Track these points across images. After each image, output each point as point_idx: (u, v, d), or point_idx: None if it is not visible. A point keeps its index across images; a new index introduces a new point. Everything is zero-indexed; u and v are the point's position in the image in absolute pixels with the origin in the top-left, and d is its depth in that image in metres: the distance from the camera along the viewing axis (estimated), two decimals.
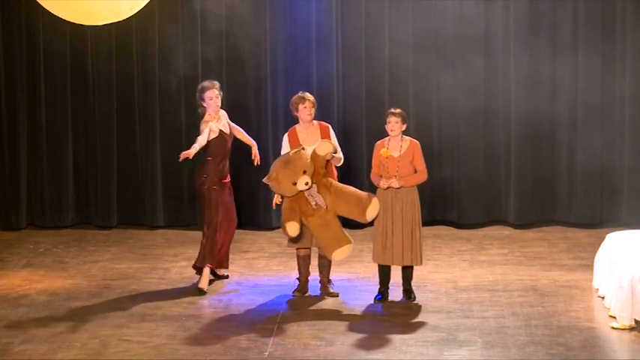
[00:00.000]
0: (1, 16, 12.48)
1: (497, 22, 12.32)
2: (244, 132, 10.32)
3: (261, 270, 10.67)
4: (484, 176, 12.55)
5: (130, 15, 9.90)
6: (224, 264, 10.23)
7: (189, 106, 12.52)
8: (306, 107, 9.66)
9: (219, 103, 10.02)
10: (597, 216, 12.46)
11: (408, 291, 9.59)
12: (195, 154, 9.74)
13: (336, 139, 9.73)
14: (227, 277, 10.32)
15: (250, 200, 12.35)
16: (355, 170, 12.24)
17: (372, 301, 9.50)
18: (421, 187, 9.52)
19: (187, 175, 12.64)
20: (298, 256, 9.78)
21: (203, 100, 9.99)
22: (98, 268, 10.86)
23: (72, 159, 12.68)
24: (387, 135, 9.53)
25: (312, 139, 9.60)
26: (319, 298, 9.65)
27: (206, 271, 9.94)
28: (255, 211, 12.45)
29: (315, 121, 9.75)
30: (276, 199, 9.60)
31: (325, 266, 9.76)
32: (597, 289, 9.64)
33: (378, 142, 9.54)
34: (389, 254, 9.37)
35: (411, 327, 8.81)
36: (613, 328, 8.68)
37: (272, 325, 8.86)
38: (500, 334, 8.60)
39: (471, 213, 12.57)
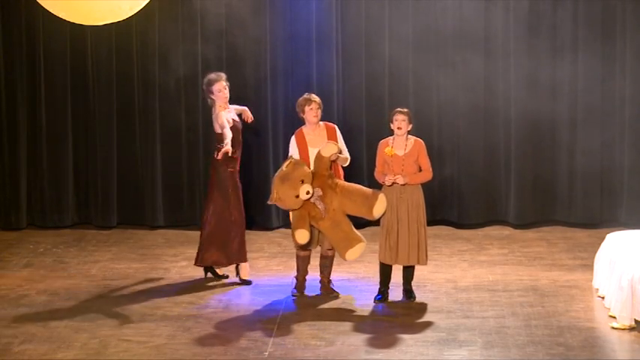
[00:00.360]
0: (1, 16, 12.47)
1: (497, 22, 12.32)
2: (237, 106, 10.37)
3: (261, 270, 10.67)
4: (484, 176, 12.55)
5: (130, 15, 9.90)
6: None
7: (189, 105, 12.54)
8: (312, 109, 9.66)
9: (228, 95, 10.06)
10: (597, 216, 12.46)
11: (408, 291, 9.60)
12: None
13: (342, 139, 9.74)
14: (227, 276, 10.32)
15: (250, 200, 12.34)
16: (355, 170, 12.22)
17: (372, 301, 9.50)
18: (422, 187, 9.51)
19: (187, 175, 12.65)
20: (298, 256, 9.79)
21: (212, 92, 10.03)
22: (98, 268, 10.86)
23: (72, 159, 12.67)
24: (388, 134, 9.53)
25: (319, 140, 9.60)
26: (319, 298, 9.65)
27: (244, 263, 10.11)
28: (255, 211, 12.44)
29: (321, 122, 9.75)
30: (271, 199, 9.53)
31: (326, 267, 9.77)
32: (597, 289, 9.64)
33: (382, 140, 9.54)
34: (394, 254, 9.38)
35: (411, 327, 8.81)
36: (613, 328, 8.68)
37: (272, 325, 8.86)
38: (500, 334, 8.60)
39: (471, 213, 12.57)
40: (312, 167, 9.42)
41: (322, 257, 9.76)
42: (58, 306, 9.47)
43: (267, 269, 10.69)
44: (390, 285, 9.59)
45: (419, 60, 12.37)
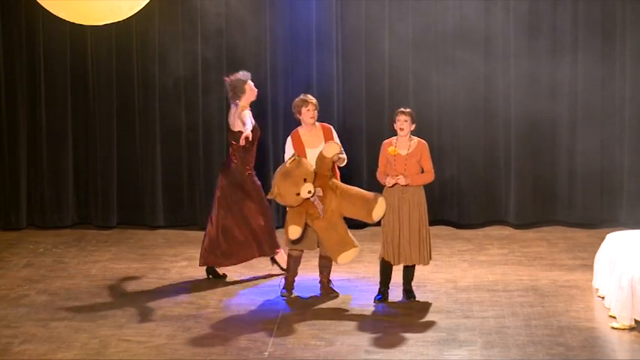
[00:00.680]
0: (1, 16, 12.47)
1: (497, 22, 12.32)
2: None
3: (261, 270, 10.67)
4: (484, 176, 12.55)
5: (130, 15, 9.90)
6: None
7: (189, 105, 12.54)
8: (309, 110, 9.67)
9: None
10: (597, 216, 12.46)
11: (408, 291, 9.60)
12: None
13: (338, 139, 9.74)
14: (226, 276, 10.33)
15: None
16: (355, 170, 12.24)
17: (372, 301, 9.50)
18: (422, 187, 9.51)
19: (187, 175, 12.65)
20: (290, 256, 9.79)
21: (244, 91, 10.05)
22: (98, 268, 10.86)
23: (72, 159, 12.67)
24: (388, 134, 9.54)
25: (316, 141, 9.61)
26: (319, 298, 9.66)
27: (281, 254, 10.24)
28: None
29: (317, 123, 9.75)
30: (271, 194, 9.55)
31: (326, 267, 9.77)
32: (597, 289, 9.65)
33: (385, 141, 9.55)
34: (396, 254, 9.38)
35: (411, 327, 8.81)
36: (613, 328, 8.68)
37: (272, 325, 8.86)
38: (500, 334, 8.60)
39: (471, 213, 12.57)
40: (313, 167, 9.42)
41: (321, 257, 9.76)
42: (58, 306, 9.47)
43: (268, 269, 10.68)
44: (390, 285, 9.59)
45: (419, 60, 12.37)
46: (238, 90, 10.09)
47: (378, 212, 9.34)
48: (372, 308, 9.37)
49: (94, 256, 11.37)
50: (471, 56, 12.33)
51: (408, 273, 9.60)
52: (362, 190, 9.54)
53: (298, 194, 9.25)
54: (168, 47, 12.41)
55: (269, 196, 9.41)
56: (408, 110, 9.47)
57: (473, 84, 12.40)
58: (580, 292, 9.77)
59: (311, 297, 9.69)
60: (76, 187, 12.73)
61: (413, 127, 9.45)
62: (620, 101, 12.35)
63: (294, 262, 9.77)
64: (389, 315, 9.19)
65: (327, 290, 9.74)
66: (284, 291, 9.77)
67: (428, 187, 9.56)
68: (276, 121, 12.45)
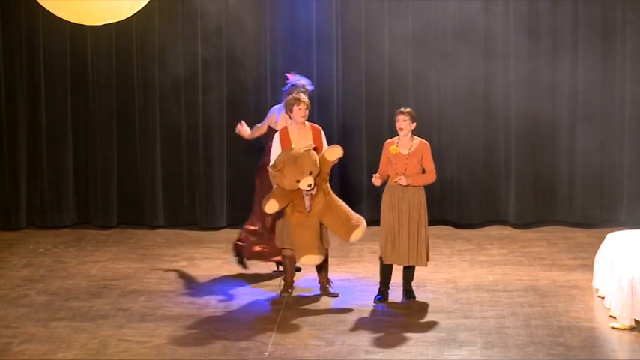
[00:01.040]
0: (1, 16, 12.47)
1: (497, 22, 12.31)
2: None
3: (261, 270, 10.66)
4: (484, 176, 12.55)
5: (130, 15, 9.90)
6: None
7: (189, 105, 12.54)
8: (300, 109, 9.67)
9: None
10: (597, 216, 12.46)
11: (408, 291, 9.60)
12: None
13: (326, 142, 9.74)
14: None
15: (250, 200, 12.33)
16: (355, 170, 12.25)
17: (372, 301, 9.50)
18: (423, 187, 9.50)
19: (187, 175, 12.64)
20: (284, 256, 9.79)
21: (290, 94, 10.14)
22: (98, 268, 10.86)
23: (72, 159, 12.67)
24: (390, 135, 9.55)
25: (304, 141, 9.61)
26: (319, 298, 9.65)
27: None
28: None
29: (307, 123, 9.76)
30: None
31: (323, 266, 9.76)
32: (597, 289, 9.64)
33: (388, 140, 9.55)
34: (395, 254, 9.38)
35: (411, 327, 8.81)
36: (613, 328, 8.68)
37: (272, 325, 8.86)
38: (500, 334, 8.60)
39: (471, 213, 12.57)
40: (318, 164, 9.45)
41: None
42: (58, 306, 9.47)
43: (268, 269, 10.68)
44: (390, 285, 9.59)
45: (419, 60, 12.37)
46: (292, 89, 10.22)
47: (356, 235, 9.44)
48: (372, 308, 9.37)
49: (94, 256, 11.37)
50: (471, 56, 12.34)
51: (408, 273, 9.59)
52: (350, 209, 9.55)
53: (298, 182, 9.25)
54: (168, 47, 12.41)
55: (269, 168, 9.37)
56: (407, 110, 9.47)
57: (473, 84, 12.40)
58: (580, 292, 9.76)
59: (311, 297, 9.69)
60: (76, 187, 12.73)
61: (413, 126, 9.44)
62: (620, 101, 12.35)
63: (289, 262, 9.77)
64: (389, 315, 9.19)
65: (327, 290, 9.74)
66: (284, 291, 9.77)
67: (428, 187, 9.56)
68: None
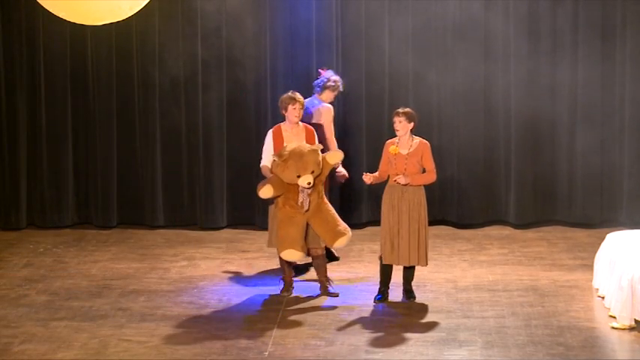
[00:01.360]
0: (1, 16, 12.47)
1: (497, 22, 12.31)
2: None
3: (261, 270, 10.67)
4: (484, 176, 12.55)
5: (130, 15, 9.90)
6: None
7: (190, 105, 12.54)
8: (295, 108, 9.69)
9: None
10: (597, 216, 12.46)
11: (408, 291, 9.60)
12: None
13: (317, 142, 9.76)
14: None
15: (250, 200, 12.35)
16: (355, 169, 12.23)
17: (372, 301, 9.50)
18: (423, 187, 9.50)
19: (187, 175, 12.64)
20: (281, 257, 9.78)
21: (327, 88, 10.62)
22: (98, 268, 10.86)
23: (72, 159, 12.67)
24: (389, 134, 9.59)
25: (297, 140, 9.64)
26: (319, 298, 9.65)
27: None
28: (255, 211, 12.44)
29: (300, 123, 9.78)
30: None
31: (320, 266, 9.76)
32: (597, 289, 9.65)
33: (388, 140, 9.56)
34: (395, 254, 9.38)
35: (411, 327, 8.81)
36: (613, 328, 8.68)
37: (272, 325, 8.86)
38: (500, 334, 8.60)
39: (471, 213, 12.56)
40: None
41: (313, 258, 9.76)
42: (58, 306, 9.47)
43: (267, 269, 10.69)
44: (390, 285, 9.59)
45: (419, 59, 12.37)
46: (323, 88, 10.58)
47: (340, 242, 9.50)
48: (372, 308, 9.37)
49: (94, 256, 11.37)
50: (471, 55, 12.33)
51: (408, 273, 9.59)
52: (339, 218, 9.56)
53: (299, 177, 9.26)
54: (168, 47, 12.40)
55: (274, 156, 9.37)
56: (402, 111, 9.45)
57: (473, 83, 12.39)
58: (580, 292, 9.76)
59: (311, 297, 9.69)
60: (76, 187, 12.73)
61: (411, 126, 9.43)
62: (620, 101, 12.35)
63: (286, 262, 9.77)
64: (389, 315, 9.19)
65: (327, 290, 9.74)
66: (284, 291, 9.77)
67: (428, 187, 9.56)
68: (275, 121, 12.39)
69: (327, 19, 12.33)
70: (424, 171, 9.44)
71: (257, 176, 12.45)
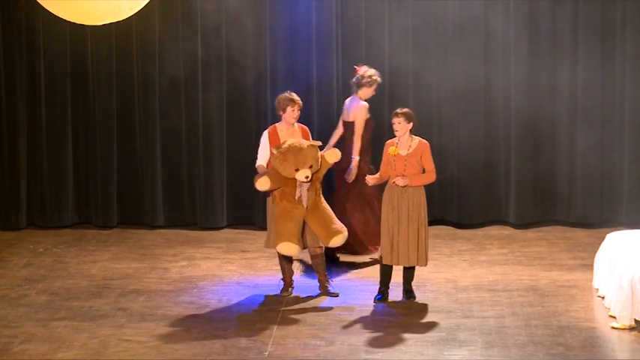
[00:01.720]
0: (1, 16, 12.47)
1: (497, 21, 12.31)
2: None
3: (261, 270, 10.68)
4: (484, 176, 12.55)
5: (130, 15, 9.90)
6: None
7: (190, 105, 12.54)
8: (294, 110, 9.70)
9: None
10: (597, 216, 12.46)
11: (408, 291, 9.60)
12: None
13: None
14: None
15: (250, 200, 12.35)
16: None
17: (372, 301, 9.50)
18: (423, 187, 9.50)
19: (187, 175, 12.64)
20: (280, 256, 9.78)
21: (362, 86, 10.74)
22: (98, 268, 10.86)
23: (72, 159, 12.67)
24: (390, 135, 9.59)
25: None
26: (319, 298, 9.66)
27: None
28: (255, 211, 12.44)
29: (296, 124, 9.79)
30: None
31: (319, 265, 9.76)
32: (597, 289, 9.65)
33: (388, 141, 9.56)
34: (395, 254, 9.38)
35: (411, 327, 8.81)
36: (613, 328, 8.68)
37: (272, 325, 8.86)
38: (500, 334, 8.60)
39: (471, 213, 12.56)
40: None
41: (312, 257, 9.77)
42: (58, 306, 9.47)
43: (267, 269, 10.69)
44: (390, 285, 9.59)
45: (419, 60, 12.37)
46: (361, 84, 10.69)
47: (335, 241, 9.49)
48: (372, 308, 9.37)
49: (94, 256, 11.37)
50: (471, 55, 12.33)
51: (408, 273, 9.59)
52: (335, 217, 9.56)
53: (297, 170, 9.27)
54: (168, 47, 12.40)
55: (273, 149, 9.37)
56: (401, 111, 9.45)
57: (473, 83, 12.39)
58: (580, 292, 9.77)
59: (310, 297, 9.69)
60: (76, 187, 12.73)
61: (410, 126, 9.43)
62: (620, 101, 12.35)
63: (286, 261, 9.77)
64: (389, 315, 9.19)
65: (327, 290, 9.74)
66: (283, 291, 9.77)
67: (428, 187, 9.56)
68: (275, 121, 12.40)
69: (327, 19, 12.33)
70: (424, 171, 9.44)
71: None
